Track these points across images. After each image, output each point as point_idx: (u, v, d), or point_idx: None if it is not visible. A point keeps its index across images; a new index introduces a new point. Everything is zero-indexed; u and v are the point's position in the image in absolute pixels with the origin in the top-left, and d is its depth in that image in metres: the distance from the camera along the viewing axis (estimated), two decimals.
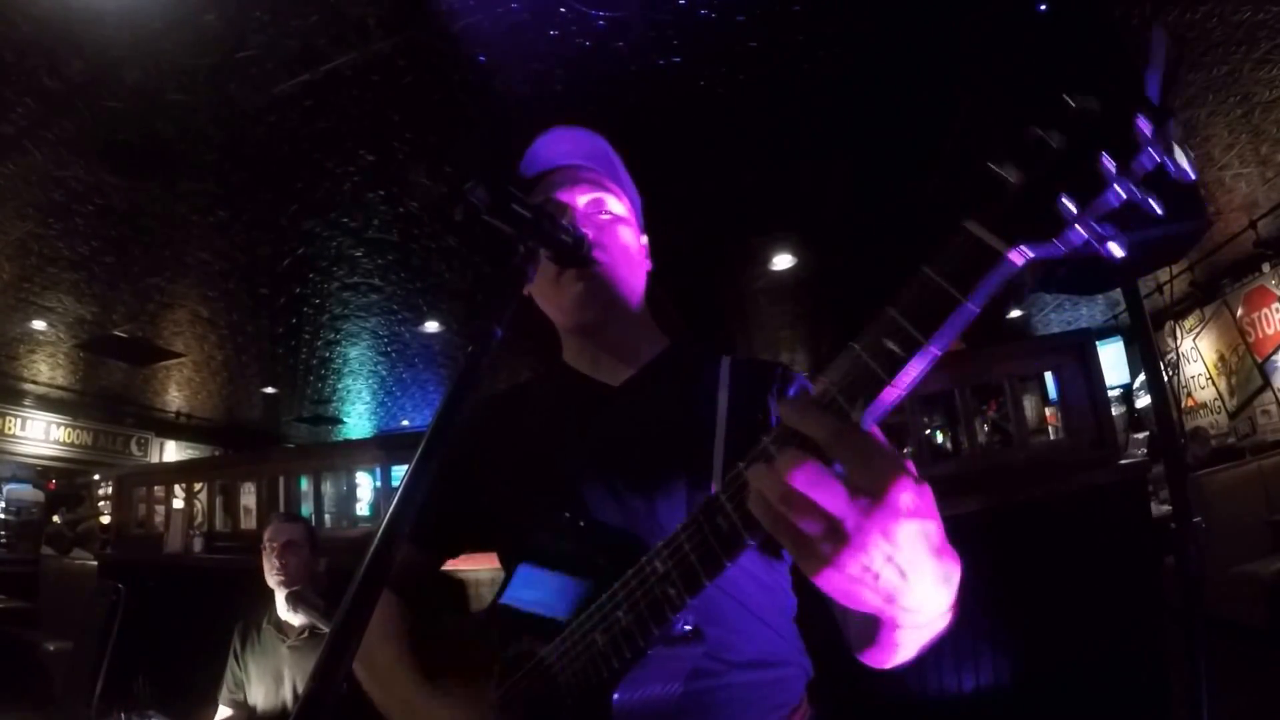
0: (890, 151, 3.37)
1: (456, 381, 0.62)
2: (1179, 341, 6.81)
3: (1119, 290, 1.57)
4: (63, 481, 8.19)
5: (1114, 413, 2.83)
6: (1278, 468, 4.25)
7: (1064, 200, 0.42)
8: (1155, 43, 0.40)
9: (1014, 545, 2.12)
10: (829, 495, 0.45)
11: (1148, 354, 1.86)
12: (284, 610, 2.17)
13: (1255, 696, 2.79)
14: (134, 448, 8.70)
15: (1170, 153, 0.40)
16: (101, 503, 7.37)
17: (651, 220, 1.05)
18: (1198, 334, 6.72)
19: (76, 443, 8.02)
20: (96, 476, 7.94)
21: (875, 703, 1.70)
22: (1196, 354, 6.79)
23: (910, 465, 0.48)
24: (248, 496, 3.83)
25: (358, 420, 8.79)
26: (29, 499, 7.76)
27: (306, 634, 2.12)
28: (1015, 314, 6.74)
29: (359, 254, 4.11)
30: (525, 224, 0.73)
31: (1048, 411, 5.75)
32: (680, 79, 2.79)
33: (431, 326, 5.42)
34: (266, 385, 7.14)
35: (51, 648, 3.43)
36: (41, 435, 7.65)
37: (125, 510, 4.07)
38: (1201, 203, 1.24)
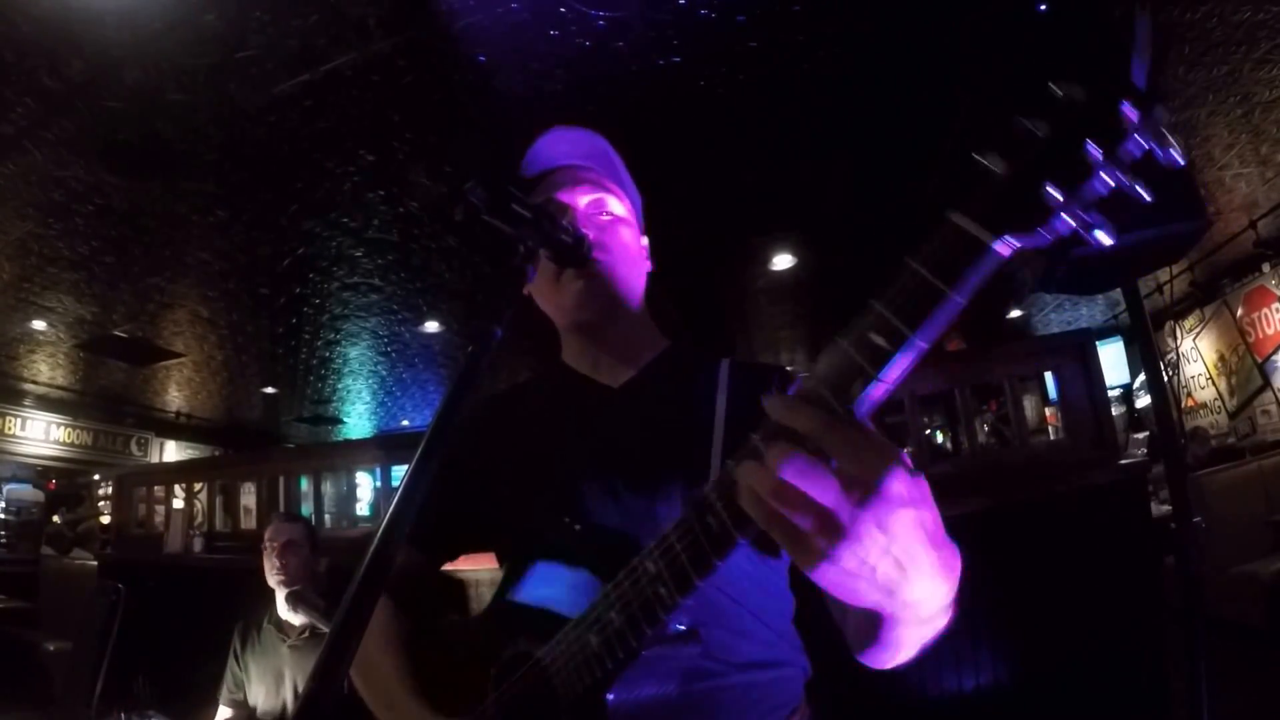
0: (890, 151, 3.37)
1: (456, 381, 0.62)
2: (1179, 341, 6.81)
3: (1119, 290, 1.57)
4: (63, 481, 8.20)
5: (1114, 413, 2.83)
6: (1278, 468, 4.25)
7: (1049, 189, 0.41)
8: (1140, 29, 0.40)
9: (1014, 545, 2.12)
10: (820, 488, 0.45)
11: (1148, 354, 1.86)
12: (284, 610, 2.17)
13: (1255, 696, 2.80)
14: (134, 448, 8.70)
15: (1158, 139, 0.40)
16: (101, 503, 7.37)
17: (651, 220, 1.05)
18: (1198, 334, 6.72)
19: (76, 443, 8.03)
20: (96, 476, 7.95)
21: (875, 703, 1.70)
22: (1196, 354, 6.79)
23: (904, 455, 0.47)
24: (248, 496, 3.83)
25: (358, 420, 8.79)
26: (29, 499, 7.77)
27: (307, 634, 2.12)
28: (1015, 314, 6.74)
29: (359, 254, 4.11)
30: (525, 224, 0.73)
31: (1048, 411, 5.76)
32: (680, 79, 2.79)
33: (431, 326, 5.43)
34: (266, 385, 7.14)
35: (51, 648, 3.43)
36: (41, 435, 7.65)
37: (125, 510, 4.07)
38: (1201, 202, 1.24)
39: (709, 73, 2.78)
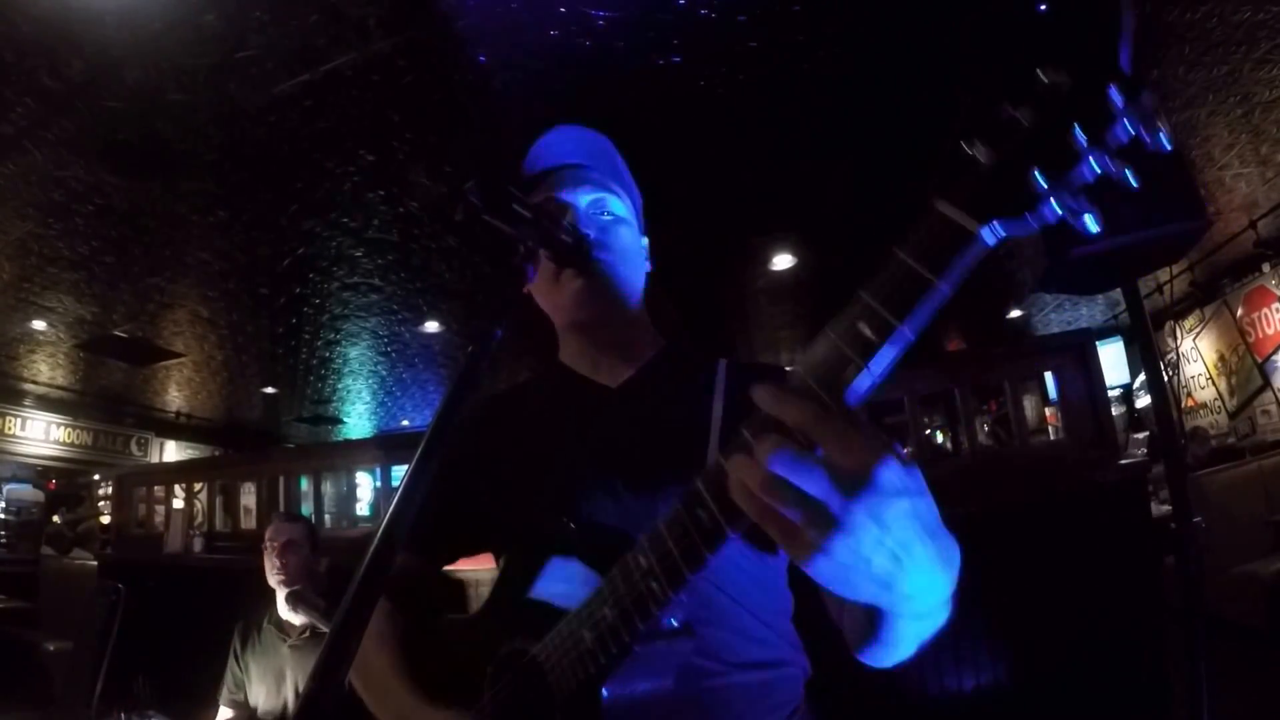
0: (890, 151, 3.37)
1: (456, 381, 0.62)
2: (1179, 341, 6.81)
3: (1119, 290, 1.57)
4: (63, 481, 8.20)
5: (1114, 413, 2.83)
6: (1278, 468, 4.25)
7: (1036, 175, 0.41)
8: (1126, 15, 0.40)
9: (1014, 545, 2.12)
10: (809, 479, 0.44)
11: (1148, 354, 1.86)
12: (285, 610, 2.16)
13: (1255, 696, 2.79)
14: (134, 448, 8.70)
15: (1145, 123, 0.39)
16: (101, 503, 7.37)
17: (651, 220, 1.05)
18: (1198, 334, 6.72)
19: (76, 443, 8.03)
20: (96, 476, 7.95)
21: (875, 703, 1.70)
22: (1196, 354, 6.79)
23: (897, 446, 0.46)
24: (248, 496, 3.83)
25: (358, 420, 8.79)
26: (29, 499, 7.76)
27: (308, 633, 2.12)
28: (1015, 314, 6.74)
29: (359, 254, 4.11)
30: (525, 224, 0.73)
31: (1048, 411, 5.76)
32: (680, 79, 2.79)
33: (431, 326, 5.43)
34: (266, 385, 7.14)
35: (51, 648, 3.43)
36: (41, 435, 7.65)
37: (125, 510, 4.06)
38: (1201, 202, 1.24)
39: (709, 73, 2.78)
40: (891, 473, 0.45)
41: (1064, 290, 1.44)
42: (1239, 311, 6.11)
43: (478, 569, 2.33)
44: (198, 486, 3.93)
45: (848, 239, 4.34)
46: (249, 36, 2.40)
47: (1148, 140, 0.40)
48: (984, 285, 5.54)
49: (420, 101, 2.80)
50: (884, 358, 0.45)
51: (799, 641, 0.88)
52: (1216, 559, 3.65)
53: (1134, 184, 0.40)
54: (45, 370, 6.47)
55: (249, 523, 3.79)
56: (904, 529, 0.45)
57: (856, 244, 4.36)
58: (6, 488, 7.60)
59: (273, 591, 2.20)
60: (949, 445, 6.23)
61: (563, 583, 0.72)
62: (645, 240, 1.02)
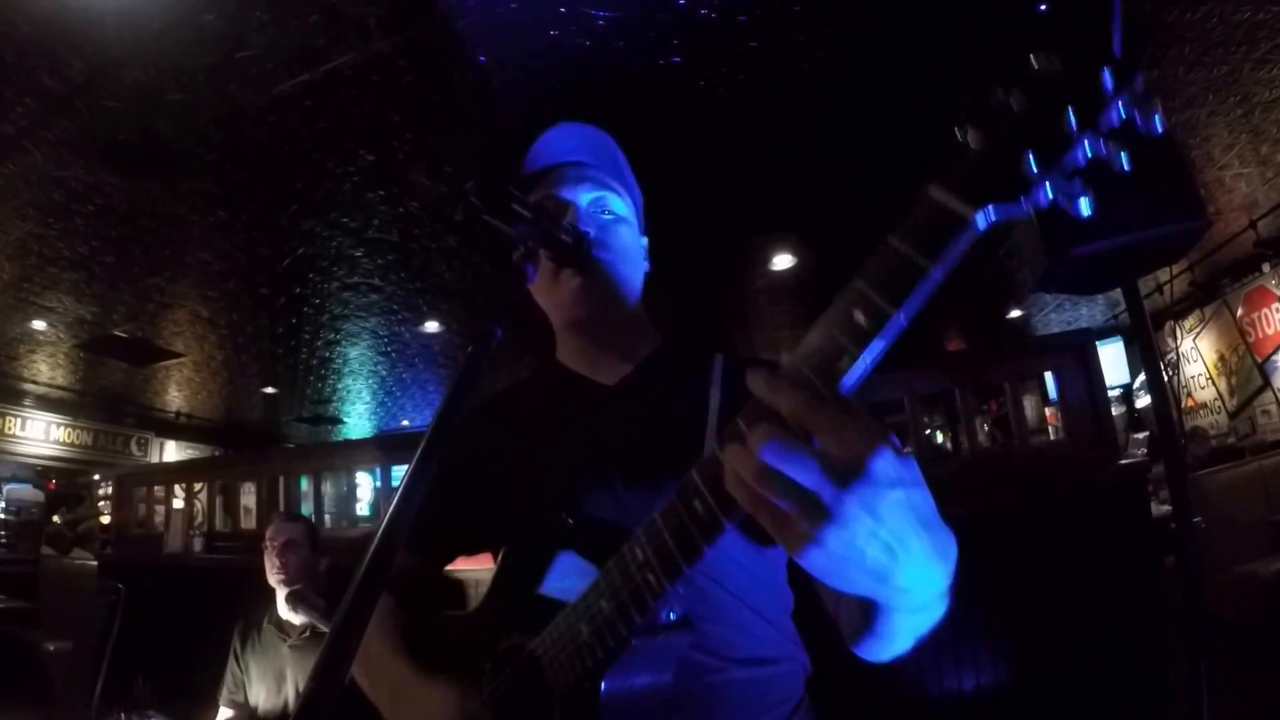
0: (890, 151, 3.37)
1: (456, 381, 0.62)
2: (1179, 341, 6.81)
3: (1119, 290, 1.56)
4: (63, 481, 8.19)
5: (1114, 413, 2.83)
6: (1278, 468, 4.25)
7: (1029, 159, 0.41)
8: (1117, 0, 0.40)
9: (1014, 545, 2.12)
10: (801, 468, 0.44)
11: (1148, 354, 1.86)
12: (284, 610, 2.16)
13: (1255, 696, 2.79)
14: (134, 448, 8.70)
15: (1138, 106, 0.40)
16: (101, 503, 7.36)
17: (652, 220, 1.05)
18: (1198, 334, 6.72)
19: (76, 443, 8.03)
20: (96, 476, 7.94)
21: (875, 703, 1.70)
22: (1196, 354, 6.79)
23: (893, 436, 0.46)
24: (248, 496, 3.83)
25: (358, 420, 8.79)
26: (29, 499, 7.76)
27: (308, 633, 2.12)
28: (1015, 314, 6.74)
29: (359, 254, 4.11)
30: (525, 223, 0.73)
31: (1048, 411, 5.76)
32: (680, 79, 2.79)
33: (431, 326, 5.42)
34: (266, 385, 7.14)
35: (51, 648, 3.43)
36: (41, 435, 7.65)
37: (125, 510, 4.06)
38: (1201, 202, 1.24)
39: (709, 73, 2.78)
40: (886, 463, 0.44)
41: (1064, 290, 1.44)
42: (1239, 311, 6.11)
43: (477, 569, 2.33)
44: (198, 486, 3.93)
45: (848, 239, 4.34)
46: (249, 36, 2.40)
47: (1140, 123, 0.40)
48: (984, 285, 5.54)
49: (420, 101, 2.80)
50: (878, 345, 0.45)
51: (799, 638, 0.88)
52: (1216, 559, 3.65)
53: (1127, 166, 0.40)
54: (45, 370, 6.47)
55: (249, 523, 3.79)
56: (898, 520, 0.45)
57: (856, 244, 4.35)
58: (6, 488, 7.60)
59: (273, 591, 2.20)
60: (949, 445, 6.23)
61: (561, 578, 0.72)
62: (645, 240, 1.02)
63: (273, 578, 2.19)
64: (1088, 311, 7.04)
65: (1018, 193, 0.41)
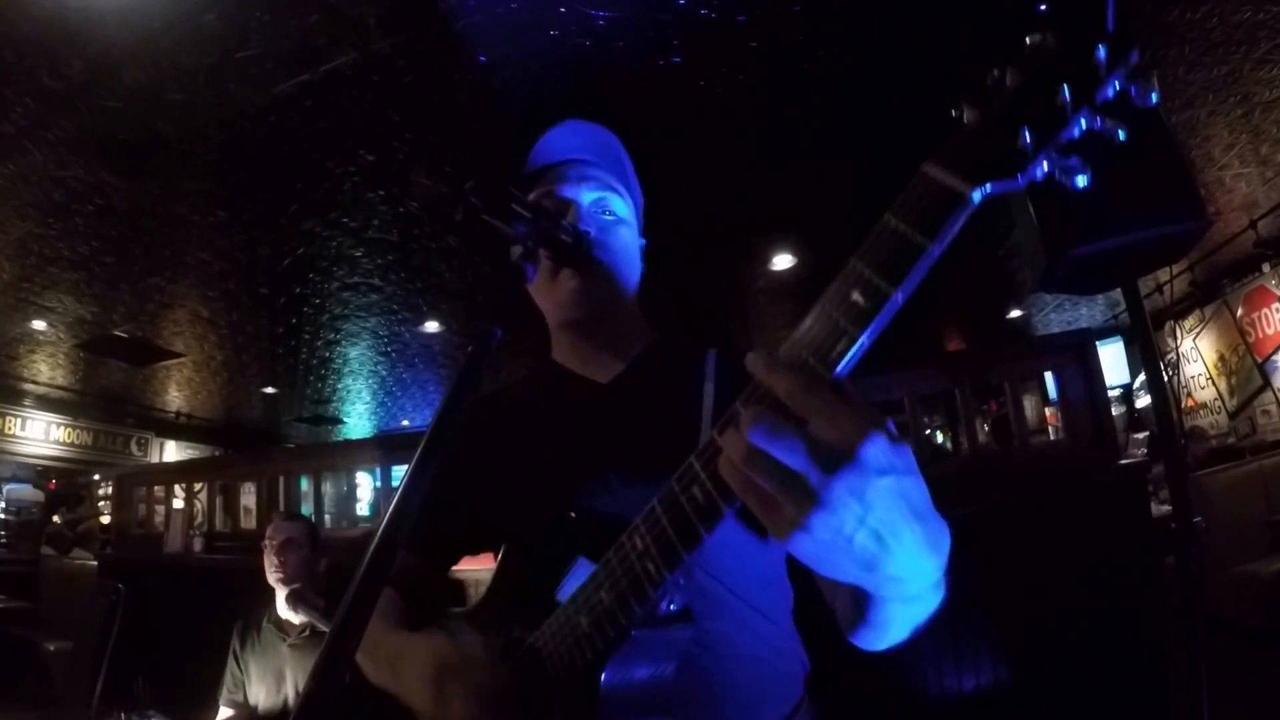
0: (890, 151, 3.37)
1: (456, 381, 0.62)
2: (1179, 341, 6.81)
3: (1119, 290, 1.56)
4: (63, 481, 8.19)
5: (1114, 413, 2.83)
6: (1278, 468, 4.25)
7: (1024, 134, 0.41)
8: None
9: (1014, 545, 2.12)
10: (787, 450, 0.43)
11: (1148, 354, 1.86)
12: (284, 609, 2.16)
13: (1255, 696, 2.79)
14: (134, 448, 8.69)
15: (1133, 79, 0.39)
16: (101, 503, 7.37)
17: (652, 219, 1.05)
18: (1198, 334, 6.72)
19: (76, 443, 8.02)
20: (96, 476, 7.94)
21: (875, 702, 1.71)
22: (1196, 354, 6.79)
23: (889, 423, 0.45)
24: (248, 496, 3.83)
25: (358, 420, 8.79)
26: (29, 499, 7.76)
27: (307, 632, 2.12)
28: (1015, 314, 6.74)
29: (359, 254, 4.11)
30: (525, 224, 0.73)
31: (1048, 411, 5.76)
32: (680, 79, 2.79)
33: (431, 326, 5.42)
34: (266, 385, 7.14)
35: (51, 648, 3.44)
36: (41, 435, 7.65)
37: (125, 510, 4.06)
38: (1201, 202, 1.24)
39: (709, 73, 2.78)
40: (877, 450, 0.43)
41: (1064, 290, 1.44)
42: (1239, 311, 6.10)
43: (477, 569, 2.33)
44: (198, 486, 3.93)
45: (848, 239, 4.32)
46: (249, 36, 2.40)
47: (1135, 96, 0.40)
48: (984, 285, 5.54)
49: (420, 101, 2.80)
50: (877, 325, 0.45)
51: (798, 636, 0.88)
52: (1216, 559, 3.65)
53: (1121, 137, 0.40)
54: (45, 370, 6.47)
55: (249, 523, 3.79)
56: (887, 508, 0.44)
57: (856, 244, 4.35)
58: (6, 488, 7.60)
59: (272, 591, 2.20)
60: (949, 445, 6.23)
61: (560, 575, 0.72)
62: (643, 242, 1.02)
63: (272, 577, 2.19)
64: (1088, 311, 7.04)
65: (1014, 168, 0.42)
